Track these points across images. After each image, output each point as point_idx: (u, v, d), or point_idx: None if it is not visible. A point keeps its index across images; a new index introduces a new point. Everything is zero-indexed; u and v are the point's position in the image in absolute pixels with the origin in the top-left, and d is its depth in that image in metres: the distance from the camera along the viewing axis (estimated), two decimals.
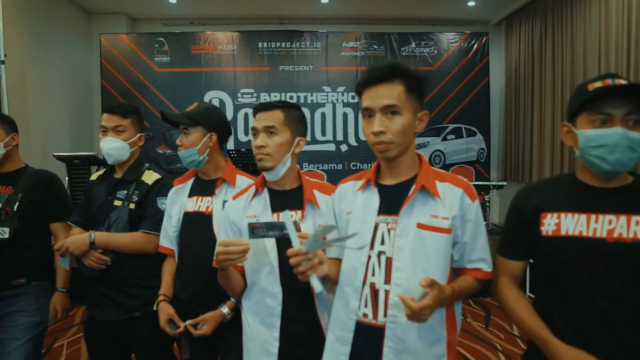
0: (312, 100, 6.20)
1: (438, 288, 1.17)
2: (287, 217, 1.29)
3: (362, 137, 6.18)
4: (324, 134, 6.20)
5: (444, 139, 6.39)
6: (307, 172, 5.82)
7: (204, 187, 1.86)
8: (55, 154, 4.75)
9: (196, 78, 6.12)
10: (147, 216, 2.00)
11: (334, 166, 6.17)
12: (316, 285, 1.23)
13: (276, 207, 1.58)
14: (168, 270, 1.92)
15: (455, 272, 1.38)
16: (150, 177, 2.08)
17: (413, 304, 1.14)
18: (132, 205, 2.01)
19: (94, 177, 2.21)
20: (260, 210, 1.59)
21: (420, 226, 1.30)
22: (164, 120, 1.88)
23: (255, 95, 6.11)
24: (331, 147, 6.16)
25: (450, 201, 1.33)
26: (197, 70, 6.13)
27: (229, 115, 6.11)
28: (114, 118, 2.06)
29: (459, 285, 1.32)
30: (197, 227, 1.80)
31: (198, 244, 1.79)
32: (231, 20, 6.80)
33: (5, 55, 4.68)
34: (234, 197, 1.68)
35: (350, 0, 6.33)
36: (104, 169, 2.18)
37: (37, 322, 2.17)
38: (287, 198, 1.61)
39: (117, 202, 2.03)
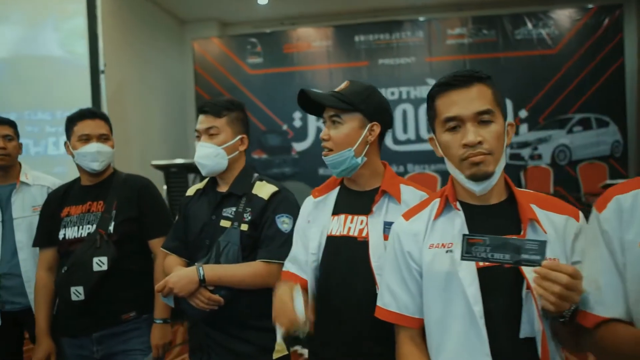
0: (415, 96, 5.65)
1: None
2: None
3: None
4: (429, 131, 5.61)
5: (570, 131, 5.56)
6: (417, 174, 5.26)
7: (355, 202, 1.33)
8: (153, 162, 4.61)
9: (290, 78, 5.81)
10: (266, 240, 1.57)
11: (444, 166, 5.54)
12: None
13: (479, 231, 1.01)
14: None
15: None
16: (263, 189, 1.64)
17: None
18: (244, 227, 1.58)
19: (190, 191, 1.80)
20: (454, 236, 1.03)
21: None
22: (300, 103, 1.37)
23: None
24: None
25: None
26: (290, 70, 5.82)
27: None
28: (207, 118, 1.66)
29: None
30: (347, 258, 1.29)
31: (348, 282, 1.28)
32: (323, 17, 6.45)
33: (105, 65, 4.62)
34: (407, 216, 1.15)
35: None
36: (205, 181, 1.77)
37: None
38: (496, 217, 1.05)
39: (224, 223, 1.61)
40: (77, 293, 1.75)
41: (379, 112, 1.34)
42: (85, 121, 1.91)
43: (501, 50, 5.56)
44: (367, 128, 1.31)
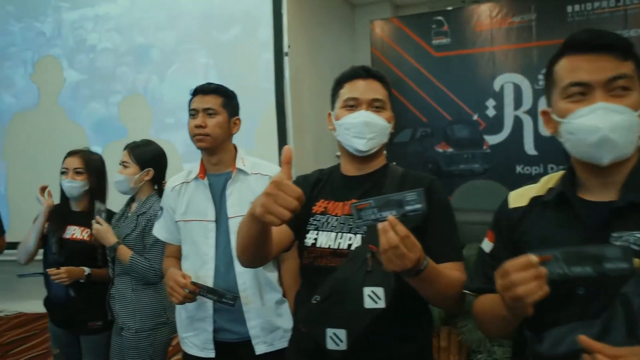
0: None
1: None
2: None
3: None
4: None
5: None
6: None
7: None
8: (338, 153, 4.14)
9: (483, 60, 4.98)
10: None
11: None
12: None
13: None
14: None
15: None
16: None
17: None
18: None
19: (519, 200, 1.12)
20: None
21: None
22: None
23: None
24: None
25: None
26: (484, 51, 4.98)
27: (527, 103, 4.80)
28: (610, 61, 0.96)
29: None
30: None
31: None
32: None
33: (289, 47, 4.27)
34: None
35: None
36: (556, 180, 1.09)
37: None
38: None
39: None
40: (337, 339, 1.17)
41: None
42: (355, 81, 1.36)
43: None
44: None
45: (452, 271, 1.20)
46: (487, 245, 1.14)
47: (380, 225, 1.00)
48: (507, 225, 1.09)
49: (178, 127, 4.34)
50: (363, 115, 1.32)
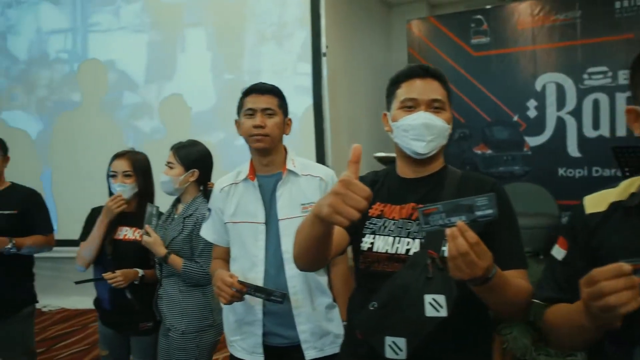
0: None
1: None
2: None
3: None
4: None
5: None
6: None
7: None
8: (376, 154, 4.10)
9: (525, 59, 4.84)
10: None
11: None
12: None
13: None
14: None
15: None
16: None
17: None
18: None
19: (596, 204, 1.04)
20: None
21: None
22: None
23: (610, 74, 4.50)
24: None
25: None
26: (525, 50, 4.84)
27: (571, 103, 4.65)
28: None
29: None
30: None
31: None
32: None
33: (327, 47, 4.25)
34: None
35: None
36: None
37: None
38: None
39: None
40: (396, 348, 1.13)
41: None
42: (413, 81, 1.30)
43: None
44: None
45: (518, 279, 1.16)
46: (558, 252, 1.08)
47: (448, 231, 0.95)
48: (584, 232, 1.02)
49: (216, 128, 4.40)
50: (422, 117, 1.26)
